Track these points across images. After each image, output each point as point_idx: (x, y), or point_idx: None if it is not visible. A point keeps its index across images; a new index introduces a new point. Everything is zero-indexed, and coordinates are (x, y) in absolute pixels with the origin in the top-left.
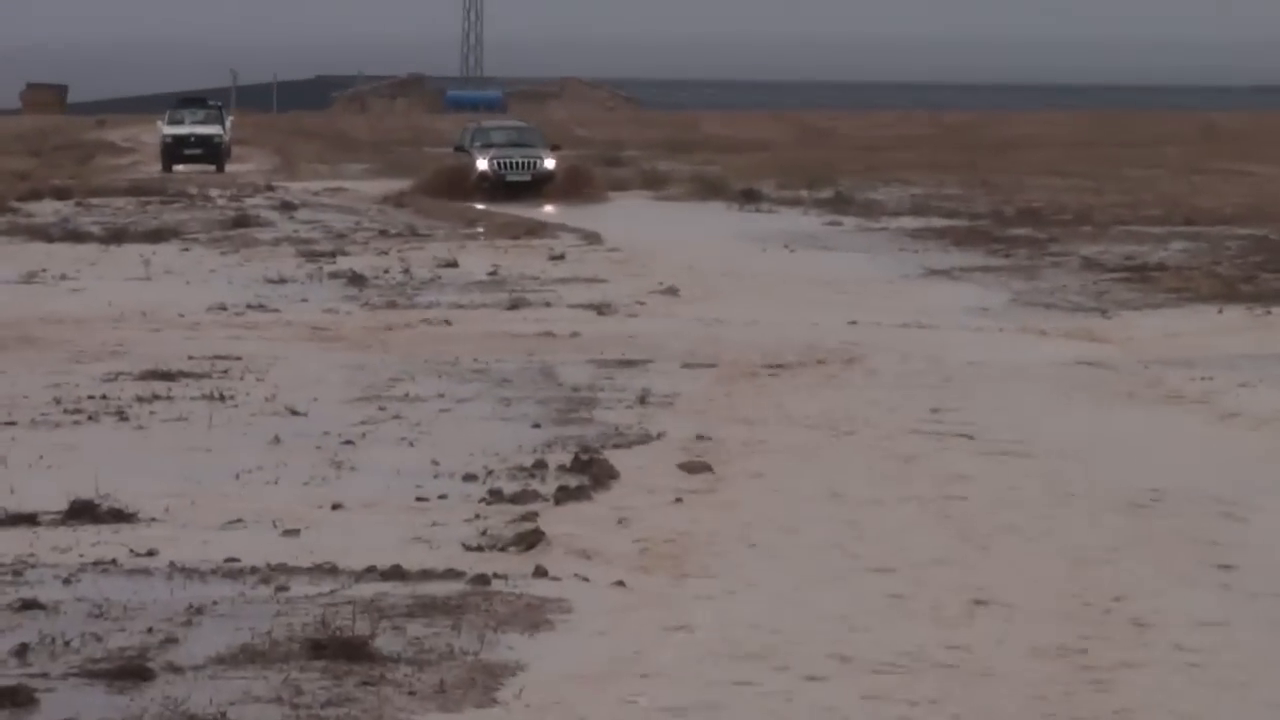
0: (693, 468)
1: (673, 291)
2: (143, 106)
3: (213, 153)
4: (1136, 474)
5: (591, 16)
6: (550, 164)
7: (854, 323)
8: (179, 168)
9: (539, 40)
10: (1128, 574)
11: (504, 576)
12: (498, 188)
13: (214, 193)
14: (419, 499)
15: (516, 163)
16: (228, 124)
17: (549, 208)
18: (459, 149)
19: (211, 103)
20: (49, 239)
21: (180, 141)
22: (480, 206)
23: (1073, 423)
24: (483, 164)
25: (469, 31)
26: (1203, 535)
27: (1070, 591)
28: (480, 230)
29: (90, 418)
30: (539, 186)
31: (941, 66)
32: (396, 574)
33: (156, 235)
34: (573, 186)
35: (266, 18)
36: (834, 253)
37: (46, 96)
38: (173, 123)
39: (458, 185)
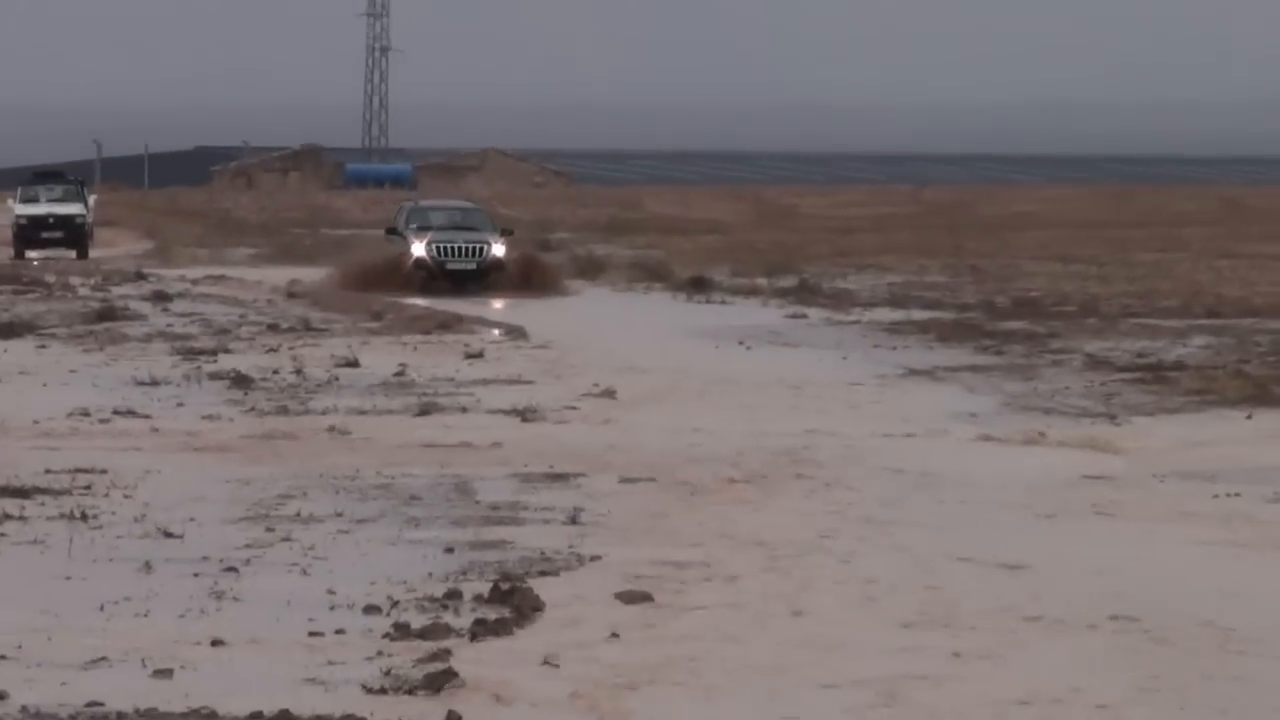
0: (630, 598)
1: (609, 394)
2: None
3: (75, 236)
4: (1138, 605)
5: (515, 80)
6: (499, 250)
7: (814, 431)
8: (33, 254)
9: (454, 106)
10: None
11: None
12: (437, 277)
13: (76, 281)
14: (312, 634)
15: (459, 248)
16: (90, 202)
17: (497, 303)
18: (391, 232)
19: (70, 178)
20: None
21: (36, 223)
22: (413, 301)
23: (1066, 546)
24: (419, 250)
25: (372, 96)
26: (1210, 682)
27: None
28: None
29: None
30: (485, 276)
31: (922, 135)
32: None
33: (8, 330)
34: (526, 277)
35: (136, 80)
36: (797, 350)
37: None
38: (26, 200)
39: (388, 275)
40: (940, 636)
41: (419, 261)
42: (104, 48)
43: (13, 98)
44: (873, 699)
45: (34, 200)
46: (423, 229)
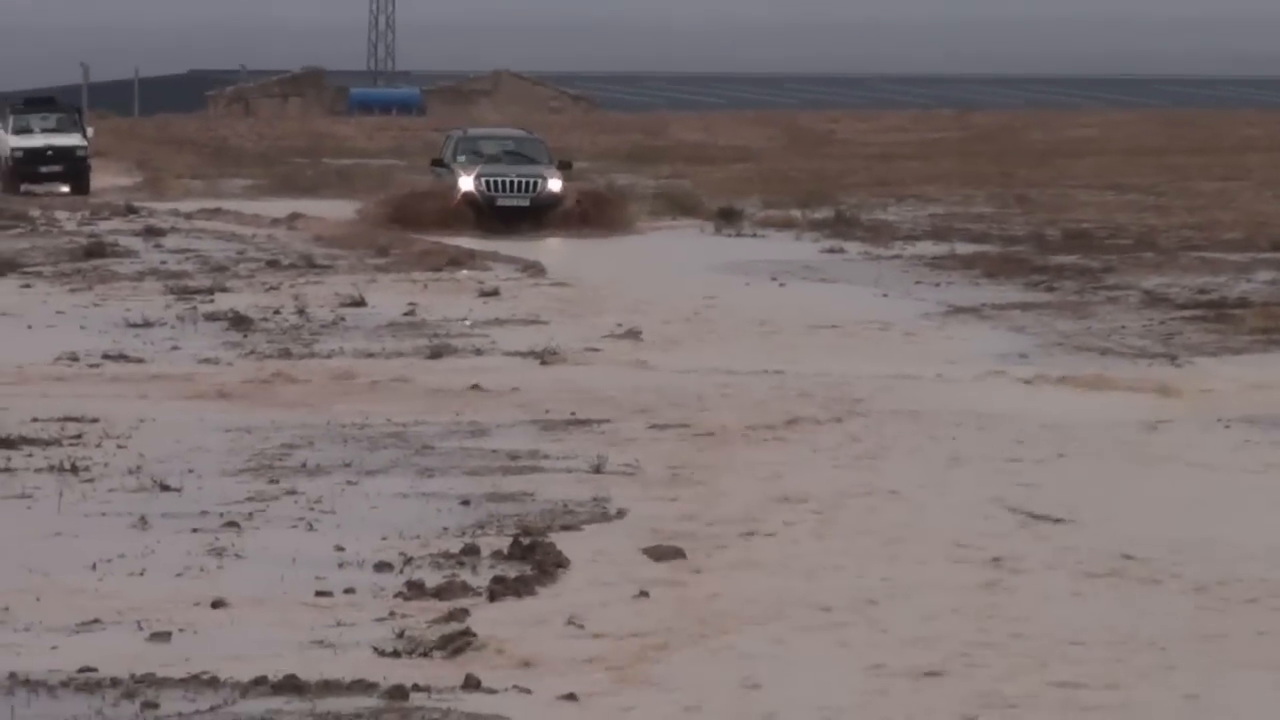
0: (660, 554)
1: (633, 335)
2: None
3: (76, 169)
4: (1216, 566)
5: None
6: (556, 185)
7: (852, 374)
8: (31, 189)
9: (464, 26)
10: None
11: (426, 689)
12: (487, 214)
13: (61, 215)
14: (320, 593)
15: (511, 182)
16: (89, 132)
17: (554, 241)
18: (437, 164)
19: (66, 104)
20: None
21: (33, 156)
22: (455, 242)
23: (1129, 497)
24: (467, 183)
25: (377, 15)
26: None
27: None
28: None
29: None
30: (541, 213)
31: (968, 55)
32: (292, 686)
33: None
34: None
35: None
36: (834, 286)
37: None
38: (19, 131)
39: (433, 211)
40: (993, 590)
41: (467, 196)
42: None
43: None
44: (915, 662)
45: (27, 131)
46: (472, 161)
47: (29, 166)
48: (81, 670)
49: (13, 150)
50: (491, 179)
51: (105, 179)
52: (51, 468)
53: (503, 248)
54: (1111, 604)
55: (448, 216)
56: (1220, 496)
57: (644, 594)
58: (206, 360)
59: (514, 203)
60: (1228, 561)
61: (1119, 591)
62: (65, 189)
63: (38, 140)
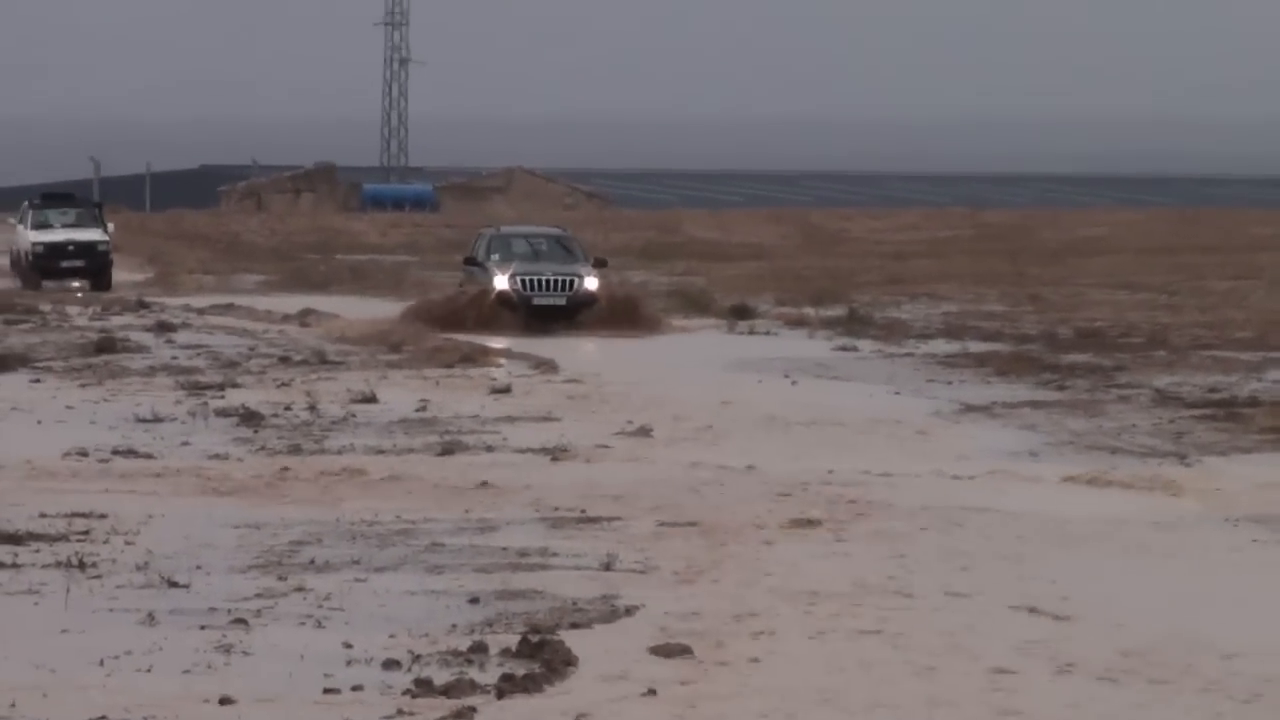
0: (668, 651)
1: (645, 432)
2: None
3: (98, 264)
4: (1206, 654)
5: (542, 93)
6: (592, 283)
7: (865, 472)
8: (50, 284)
9: (476, 122)
10: None
11: None
12: (523, 314)
13: (72, 310)
14: (328, 690)
15: (547, 281)
16: (109, 227)
17: (590, 344)
18: (470, 263)
19: (85, 199)
20: None
21: (55, 251)
22: (492, 342)
23: (1131, 592)
24: (502, 283)
25: (390, 111)
26: None
27: None
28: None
29: None
30: (576, 313)
31: (981, 153)
32: None
33: None
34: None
35: (137, 93)
36: (847, 384)
37: None
38: (39, 226)
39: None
40: (1002, 691)
41: (502, 296)
42: (102, 57)
43: (2, 110)
44: None
45: (47, 226)
46: (505, 259)
47: (50, 262)
48: None
49: (33, 245)
50: (527, 278)
51: (117, 274)
52: (59, 564)
53: (531, 346)
54: (1115, 704)
55: (482, 316)
56: (1226, 595)
57: (652, 692)
58: (216, 456)
59: (550, 301)
60: (1230, 659)
61: (1122, 690)
62: (86, 284)
63: (58, 235)
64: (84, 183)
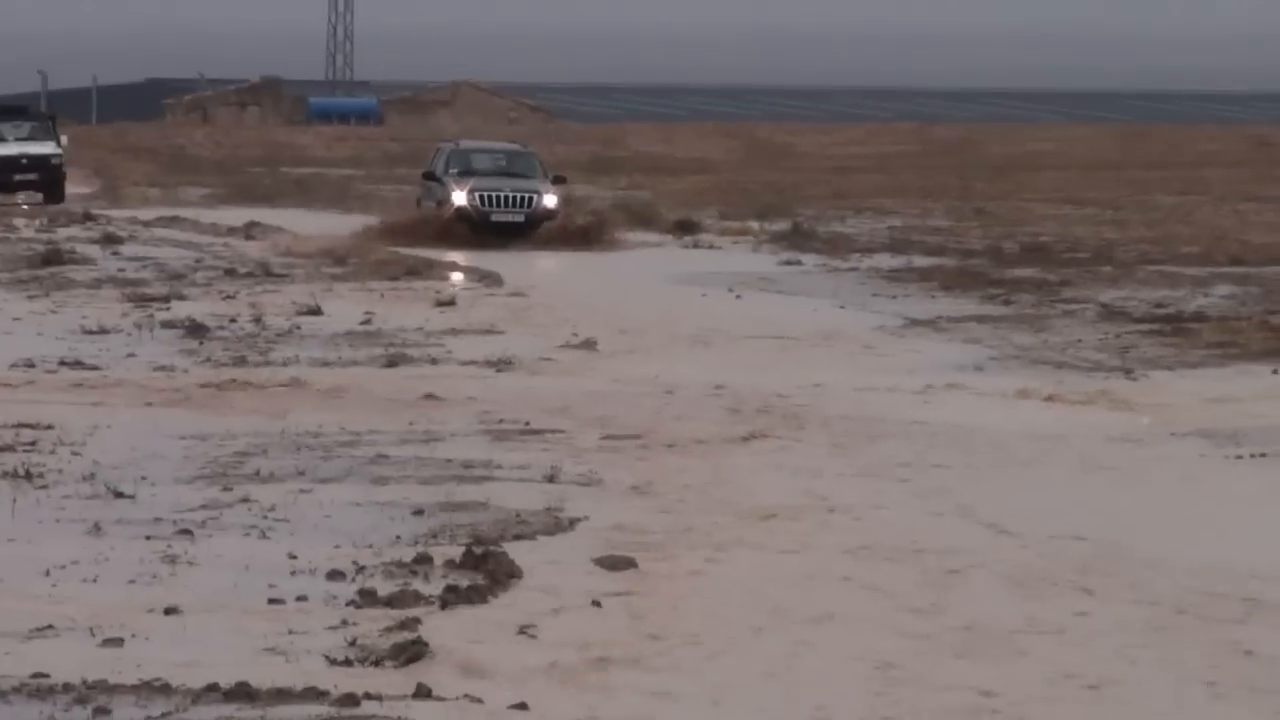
0: (612, 563)
1: (589, 345)
2: None
3: (51, 177)
4: (1151, 572)
5: (488, 7)
6: (551, 200)
7: (808, 386)
8: (3, 199)
9: (423, 36)
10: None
11: (377, 697)
12: (481, 230)
13: (19, 222)
14: (272, 601)
15: (506, 198)
16: (63, 140)
17: (546, 259)
18: (428, 178)
19: (38, 111)
20: None
21: (7, 164)
22: (450, 257)
23: (1077, 512)
24: (460, 198)
25: (336, 25)
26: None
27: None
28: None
29: None
30: (534, 228)
31: (927, 68)
32: (244, 693)
33: None
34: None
35: (84, 6)
36: (791, 298)
37: None
38: None
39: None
40: (940, 612)
41: (460, 212)
42: None
43: None
44: (868, 676)
45: (0, 140)
46: (464, 174)
47: (2, 175)
48: (34, 676)
49: None
50: (486, 194)
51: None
52: (5, 474)
53: (483, 261)
54: (1055, 611)
55: (440, 231)
56: (1167, 508)
57: (596, 603)
58: (162, 368)
59: (509, 218)
60: (1172, 574)
61: (1062, 599)
62: (39, 197)
63: (11, 148)
64: (31, 95)
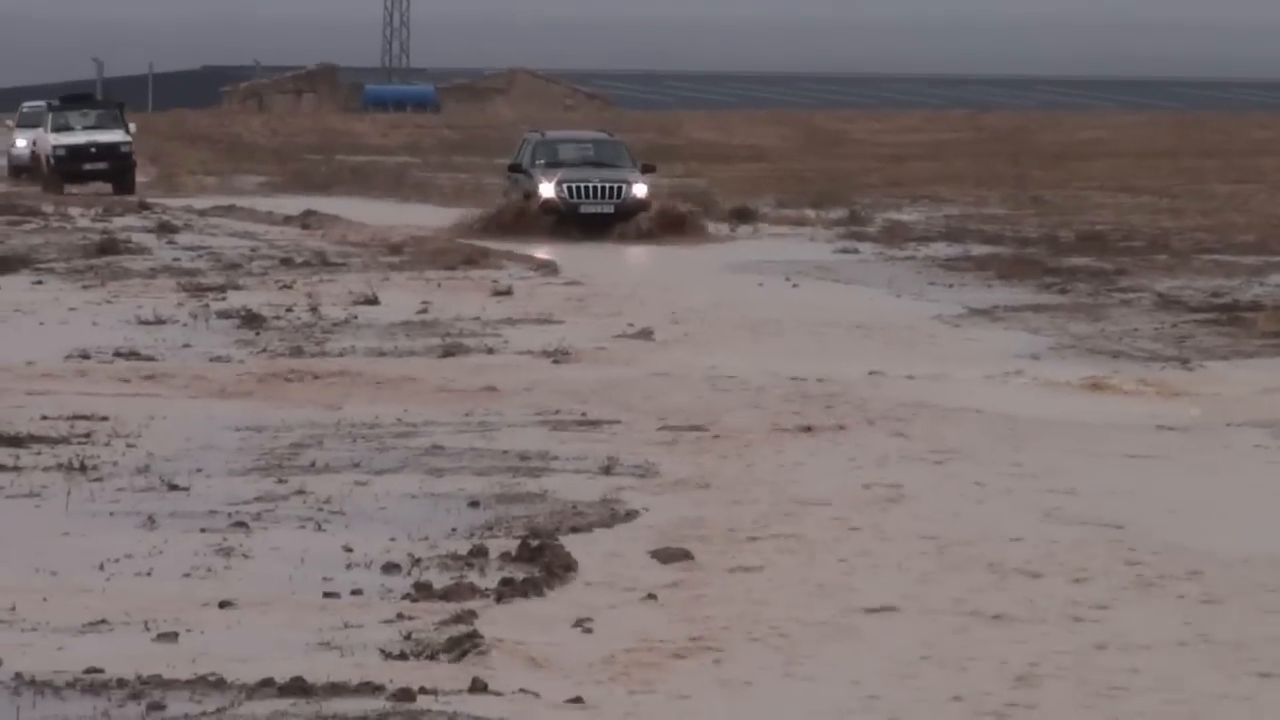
0: (669, 556)
1: (646, 335)
2: None
3: (121, 166)
4: (1205, 558)
5: None
6: (641, 190)
7: (867, 375)
8: (74, 189)
9: (479, 23)
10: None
11: (433, 691)
12: (569, 222)
13: (75, 211)
14: (327, 594)
15: (595, 188)
16: (131, 128)
17: (637, 249)
18: (515, 170)
19: (106, 100)
20: None
21: (77, 154)
22: (536, 252)
23: (1134, 496)
24: (548, 190)
25: (392, 11)
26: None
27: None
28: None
29: None
30: (625, 219)
31: (982, 56)
32: (299, 688)
33: (1, 264)
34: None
35: None
36: (847, 287)
37: None
38: (59, 129)
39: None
40: (1010, 598)
41: (547, 204)
42: None
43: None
44: (928, 669)
45: (67, 128)
46: (552, 165)
47: (72, 165)
48: (88, 671)
49: (54, 148)
50: (574, 185)
51: None
52: (60, 466)
53: (571, 254)
54: (1122, 608)
55: (528, 224)
56: (1224, 500)
57: (652, 596)
58: (218, 358)
59: (598, 209)
60: (1225, 566)
61: (1126, 591)
62: (109, 188)
63: (79, 137)
64: (87, 83)
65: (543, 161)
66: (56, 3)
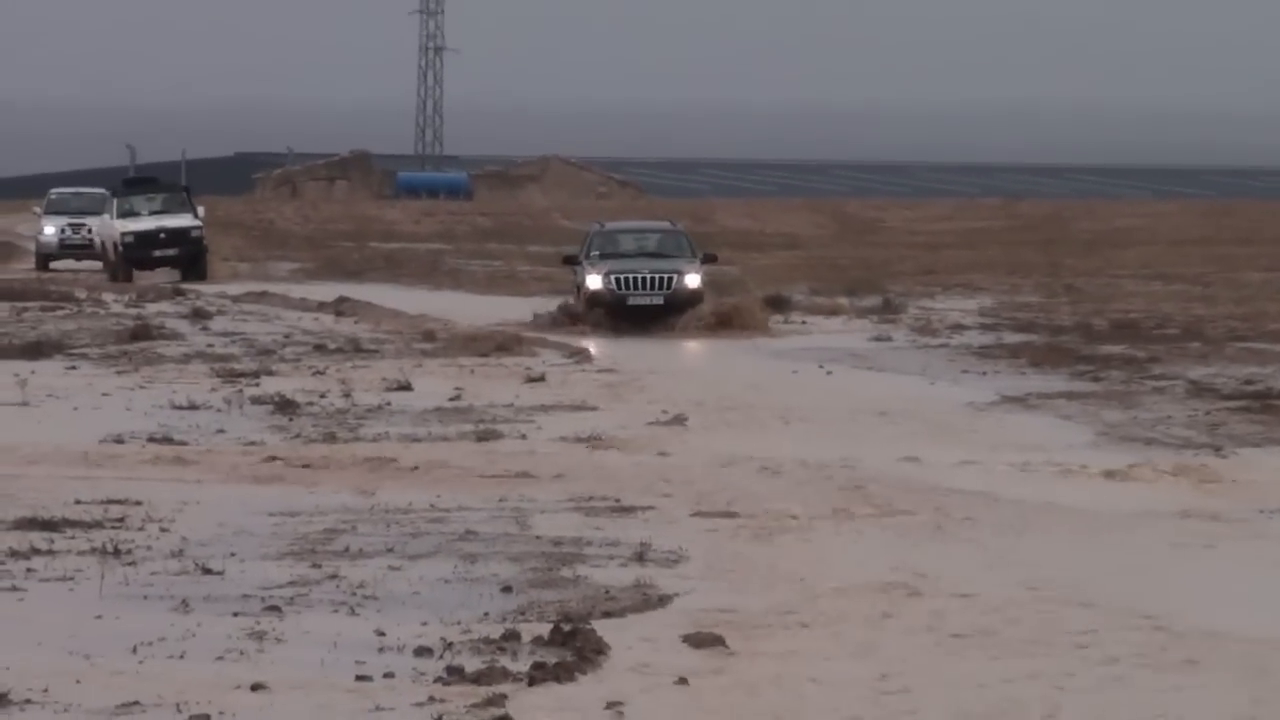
0: (700, 641)
1: (679, 421)
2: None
3: (192, 252)
4: (1239, 644)
5: (577, 81)
6: (694, 280)
7: (900, 462)
8: (143, 276)
9: (511, 110)
10: None
11: None
12: (617, 315)
13: (108, 297)
14: (360, 678)
15: (644, 279)
16: (199, 211)
17: (690, 344)
18: (570, 261)
19: (172, 183)
20: None
21: (146, 240)
22: (576, 342)
23: (1165, 584)
24: (595, 282)
25: (425, 99)
26: None
27: None
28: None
29: None
30: (677, 312)
31: (1016, 144)
32: None
33: (35, 350)
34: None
35: (173, 79)
36: (881, 374)
37: None
38: (125, 214)
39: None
40: (1041, 687)
41: (595, 296)
42: (139, 45)
43: (39, 96)
44: None
45: (134, 214)
46: (605, 257)
47: (141, 251)
48: None
49: (122, 235)
50: (622, 276)
51: None
52: (94, 550)
53: (637, 352)
54: (1150, 692)
55: (576, 318)
56: (1261, 586)
57: (683, 681)
58: (251, 443)
59: (646, 301)
60: (1266, 652)
61: (1156, 676)
62: (178, 275)
63: (146, 223)
64: (120, 170)
65: (597, 253)
66: (89, 92)
